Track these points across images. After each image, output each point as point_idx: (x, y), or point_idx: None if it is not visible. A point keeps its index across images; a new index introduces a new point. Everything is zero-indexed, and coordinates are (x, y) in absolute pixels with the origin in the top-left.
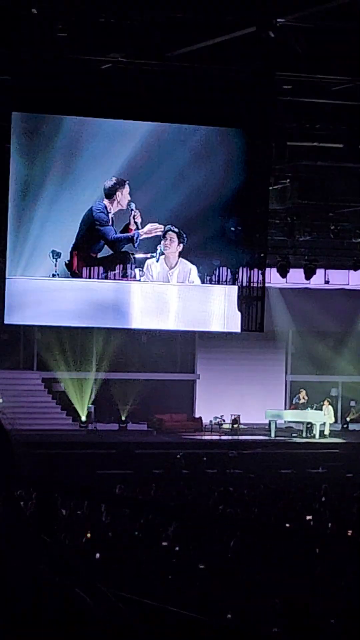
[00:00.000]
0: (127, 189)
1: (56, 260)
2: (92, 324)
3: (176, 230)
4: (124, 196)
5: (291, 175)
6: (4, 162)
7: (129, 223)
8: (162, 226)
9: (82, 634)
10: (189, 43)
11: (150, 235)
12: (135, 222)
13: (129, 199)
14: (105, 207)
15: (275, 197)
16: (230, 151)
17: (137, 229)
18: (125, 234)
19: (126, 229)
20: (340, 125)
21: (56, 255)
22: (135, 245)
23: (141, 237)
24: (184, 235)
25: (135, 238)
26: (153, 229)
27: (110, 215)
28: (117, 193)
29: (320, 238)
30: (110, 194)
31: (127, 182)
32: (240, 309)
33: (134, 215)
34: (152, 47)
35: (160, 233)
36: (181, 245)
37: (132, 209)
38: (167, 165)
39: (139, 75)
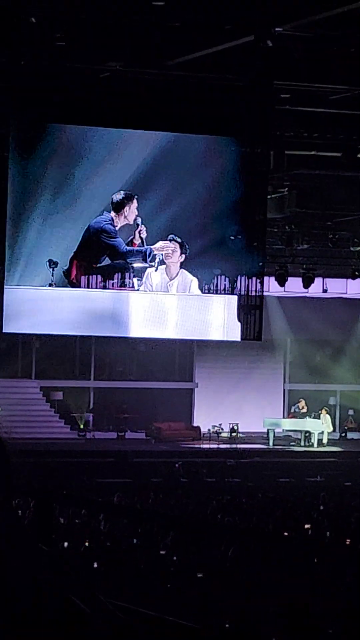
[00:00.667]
0: (135, 204)
1: (53, 270)
2: (90, 333)
3: (179, 240)
4: (131, 211)
5: (289, 183)
6: (2, 170)
7: (134, 237)
8: (173, 244)
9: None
10: (188, 52)
11: (161, 252)
12: (141, 237)
13: (137, 214)
14: (112, 220)
15: (273, 206)
16: (229, 160)
17: (142, 244)
18: (138, 248)
19: (130, 243)
20: (339, 134)
21: (53, 264)
22: (148, 260)
23: (154, 253)
24: (187, 246)
25: (147, 254)
26: (165, 246)
27: (117, 228)
28: (126, 207)
29: (319, 247)
30: (118, 207)
31: (136, 197)
32: (239, 319)
33: (140, 231)
34: (151, 56)
35: (170, 251)
36: (183, 255)
37: (138, 224)
38: (167, 175)
39: (138, 83)
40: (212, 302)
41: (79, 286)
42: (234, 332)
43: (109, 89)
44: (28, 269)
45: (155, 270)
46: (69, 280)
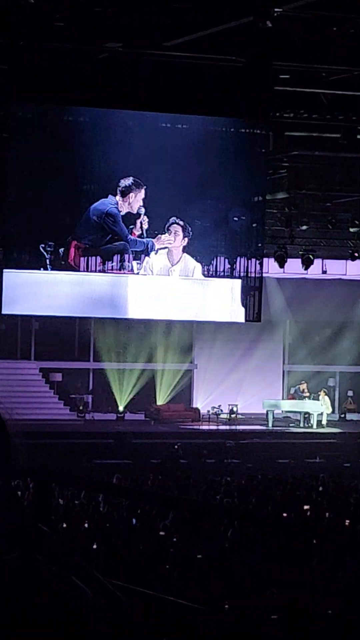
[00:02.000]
0: (142, 193)
1: (48, 252)
2: (89, 315)
3: (181, 223)
4: (137, 199)
5: (289, 165)
6: (1, 152)
7: (134, 227)
8: (174, 231)
9: (82, 624)
10: (187, 33)
11: (162, 246)
12: (142, 228)
13: (141, 204)
14: (117, 204)
15: (272, 188)
16: (228, 141)
17: (142, 234)
18: (140, 239)
19: (130, 232)
20: (338, 116)
21: (48, 246)
22: (149, 253)
23: (156, 248)
24: (190, 228)
25: (149, 247)
26: (166, 239)
27: (121, 214)
28: (132, 194)
29: (318, 228)
30: (124, 192)
31: (145, 187)
32: (244, 304)
33: (142, 221)
34: (150, 37)
35: (172, 239)
36: (186, 239)
37: (140, 214)
38: (168, 157)
39: (137, 64)
40: (214, 286)
41: (76, 268)
42: (237, 314)
43: (107, 69)
44: (23, 251)
45: (156, 254)
46: (66, 262)
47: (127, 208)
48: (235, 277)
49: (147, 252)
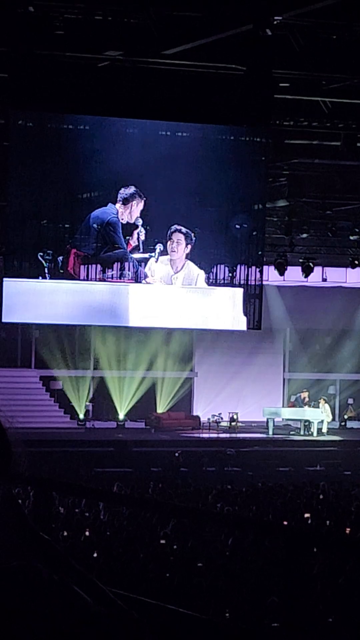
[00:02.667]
0: (142, 204)
1: (47, 261)
2: (90, 323)
3: (184, 230)
4: (137, 209)
5: (289, 173)
6: (1, 160)
7: (131, 238)
8: (176, 246)
9: (83, 633)
10: (187, 41)
11: (164, 254)
12: (138, 240)
13: (139, 214)
14: (118, 213)
15: (273, 195)
16: (228, 149)
17: (138, 246)
18: (141, 256)
19: (126, 242)
20: (338, 123)
21: (47, 255)
22: (146, 263)
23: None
24: (192, 236)
25: (146, 261)
26: (169, 248)
27: (122, 223)
28: (133, 202)
29: (318, 236)
30: (126, 201)
31: (145, 199)
32: (245, 312)
33: (139, 232)
34: (150, 45)
35: (175, 246)
36: (189, 246)
37: (138, 225)
38: (168, 165)
39: (136, 73)
40: (214, 294)
41: (76, 277)
42: (238, 323)
43: (108, 78)
44: (23, 259)
45: (156, 262)
46: (65, 271)
47: (127, 217)
48: (235, 285)
49: (145, 260)
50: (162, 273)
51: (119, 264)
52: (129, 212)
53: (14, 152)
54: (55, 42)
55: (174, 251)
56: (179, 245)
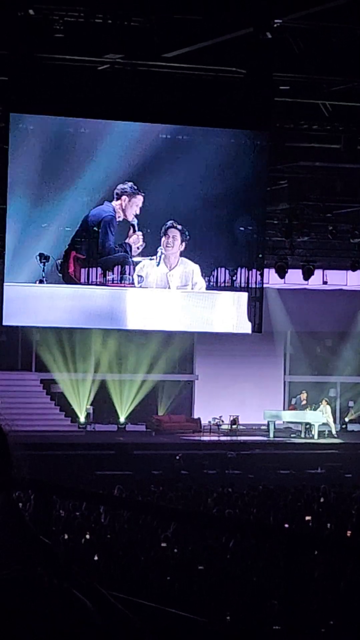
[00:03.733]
0: (140, 200)
1: (44, 264)
2: (89, 326)
3: (179, 227)
4: (133, 205)
5: (289, 176)
6: (1, 164)
7: (127, 237)
8: (172, 243)
9: (83, 637)
10: (187, 44)
11: (159, 253)
12: (139, 243)
13: (137, 212)
14: (114, 210)
15: (273, 198)
16: (228, 152)
17: (138, 250)
18: (138, 259)
19: (125, 243)
20: (339, 126)
21: (44, 258)
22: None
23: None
24: (187, 233)
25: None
26: (164, 244)
27: (118, 220)
28: (129, 198)
29: (319, 239)
30: (122, 195)
31: (144, 195)
32: (249, 317)
33: (139, 237)
34: (150, 48)
35: (171, 244)
36: (184, 243)
37: (133, 225)
38: (166, 166)
39: (137, 76)
40: (215, 297)
41: (77, 280)
42: (241, 326)
43: (108, 81)
44: (18, 263)
45: (157, 265)
46: (66, 274)
47: (121, 215)
48: (236, 288)
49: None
50: (157, 273)
51: (119, 267)
52: (126, 207)
53: (13, 156)
54: (56, 45)
55: (169, 246)
56: (175, 241)
